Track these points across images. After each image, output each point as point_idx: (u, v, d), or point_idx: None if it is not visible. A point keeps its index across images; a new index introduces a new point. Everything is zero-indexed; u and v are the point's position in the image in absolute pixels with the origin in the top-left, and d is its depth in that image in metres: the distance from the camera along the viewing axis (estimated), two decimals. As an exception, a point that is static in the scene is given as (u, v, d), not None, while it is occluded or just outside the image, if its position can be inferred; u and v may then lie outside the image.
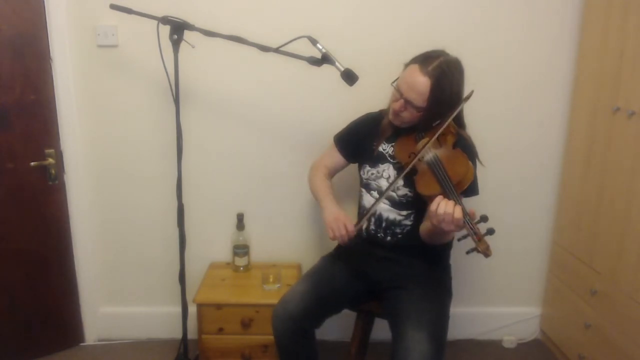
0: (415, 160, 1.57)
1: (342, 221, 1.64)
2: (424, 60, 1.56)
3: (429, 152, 1.56)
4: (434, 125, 1.61)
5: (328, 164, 1.91)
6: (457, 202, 1.37)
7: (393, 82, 1.65)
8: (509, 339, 2.45)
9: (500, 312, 2.48)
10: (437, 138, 1.57)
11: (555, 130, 2.27)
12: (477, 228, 1.31)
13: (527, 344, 2.47)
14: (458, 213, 1.33)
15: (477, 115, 2.18)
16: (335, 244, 1.96)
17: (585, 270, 2.08)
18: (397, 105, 1.63)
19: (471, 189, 1.59)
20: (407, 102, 1.60)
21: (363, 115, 1.90)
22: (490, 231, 1.30)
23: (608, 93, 1.93)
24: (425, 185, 1.52)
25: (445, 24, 2.12)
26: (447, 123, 1.55)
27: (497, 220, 2.30)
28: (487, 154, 2.19)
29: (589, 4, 2.07)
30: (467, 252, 1.36)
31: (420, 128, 1.66)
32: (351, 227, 1.64)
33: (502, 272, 2.43)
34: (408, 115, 1.64)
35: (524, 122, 2.26)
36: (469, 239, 1.35)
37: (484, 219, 1.32)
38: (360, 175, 1.83)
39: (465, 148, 1.60)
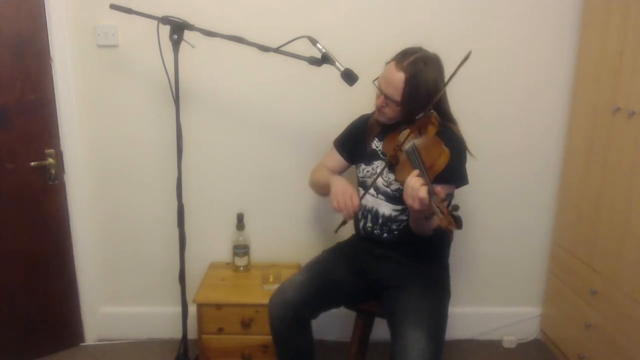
0: (398, 150, 1.61)
1: (349, 193, 1.65)
2: (401, 57, 1.64)
3: (410, 142, 1.60)
4: (416, 118, 1.65)
5: (329, 165, 1.93)
6: (426, 183, 1.38)
7: (374, 80, 1.71)
8: (509, 339, 2.44)
9: (500, 312, 2.48)
10: (419, 128, 1.62)
11: (555, 130, 2.27)
12: (443, 206, 1.32)
13: (527, 344, 2.47)
14: (423, 190, 1.35)
15: (477, 116, 2.19)
16: (335, 241, 1.98)
17: (585, 270, 2.08)
18: (379, 101, 1.71)
19: (455, 176, 1.62)
20: (387, 98, 1.66)
21: (358, 118, 1.94)
22: (455, 208, 1.31)
23: (608, 93, 1.93)
24: (402, 172, 1.55)
25: (445, 24, 2.12)
26: (429, 108, 1.60)
27: (497, 220, 2.35)
28: (488, 154, 2.22)
29: (588, 4, 2.07)
30: (434, 229, 1.46)
31: (403, 122, 1.70)
32: (357, 201, 1.65)
33: (502, 272, 2.43)
34: (390, 111, 1.70)
35: (524, 122, 2.25)
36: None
37: (450, 196, 1.33)
38: (357, 175, 1.85)
39: (450, 140, 1.60)
